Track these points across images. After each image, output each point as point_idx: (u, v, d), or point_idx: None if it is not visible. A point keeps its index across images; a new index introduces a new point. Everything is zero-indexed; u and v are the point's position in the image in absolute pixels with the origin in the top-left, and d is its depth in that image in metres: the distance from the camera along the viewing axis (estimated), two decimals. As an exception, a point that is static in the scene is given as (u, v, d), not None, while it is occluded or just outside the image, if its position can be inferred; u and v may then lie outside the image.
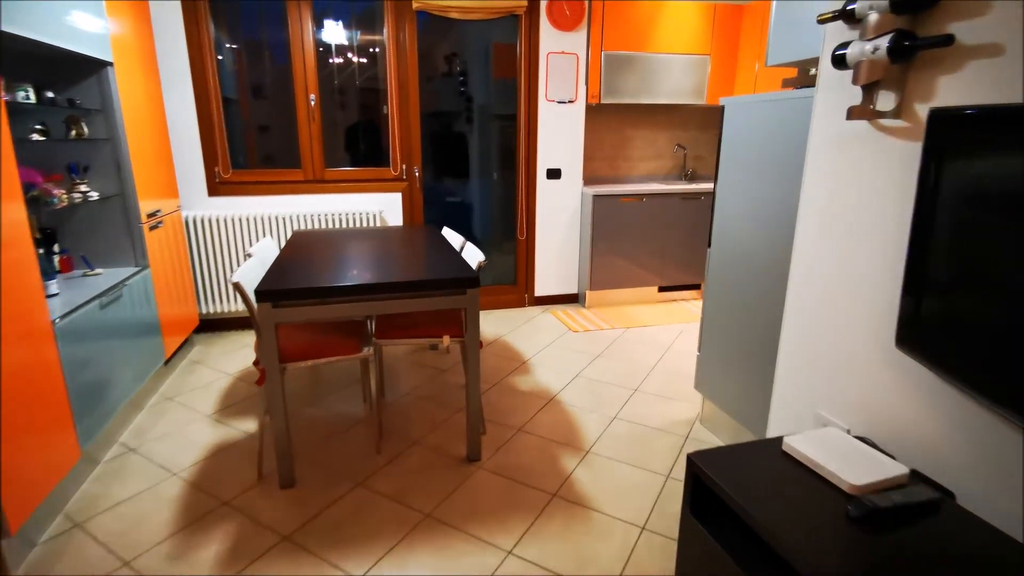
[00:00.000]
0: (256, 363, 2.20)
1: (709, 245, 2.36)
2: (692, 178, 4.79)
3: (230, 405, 2.67)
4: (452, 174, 4.14)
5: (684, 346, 3.46)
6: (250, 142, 3.67)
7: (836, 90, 1.54)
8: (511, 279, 4.23)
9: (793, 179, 1.88)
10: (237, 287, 1.89)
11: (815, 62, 1.98)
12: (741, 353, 2.22)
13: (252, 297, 1.90)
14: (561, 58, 3.82)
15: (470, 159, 4.12)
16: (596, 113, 4.39)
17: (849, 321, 1.52)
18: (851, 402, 1.52)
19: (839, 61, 1.43)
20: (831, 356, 1.58)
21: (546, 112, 3.89)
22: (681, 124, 4.65)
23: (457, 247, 2.70)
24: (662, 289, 4.37)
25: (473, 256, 2.34)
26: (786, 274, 1.93)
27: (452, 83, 4.00)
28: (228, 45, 3.49)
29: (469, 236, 4.31)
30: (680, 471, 2.17)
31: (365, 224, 3.66)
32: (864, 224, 1.46)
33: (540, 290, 4.24)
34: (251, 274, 2.11)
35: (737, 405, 2.27)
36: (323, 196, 3.63)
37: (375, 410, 2.47)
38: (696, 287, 4.44)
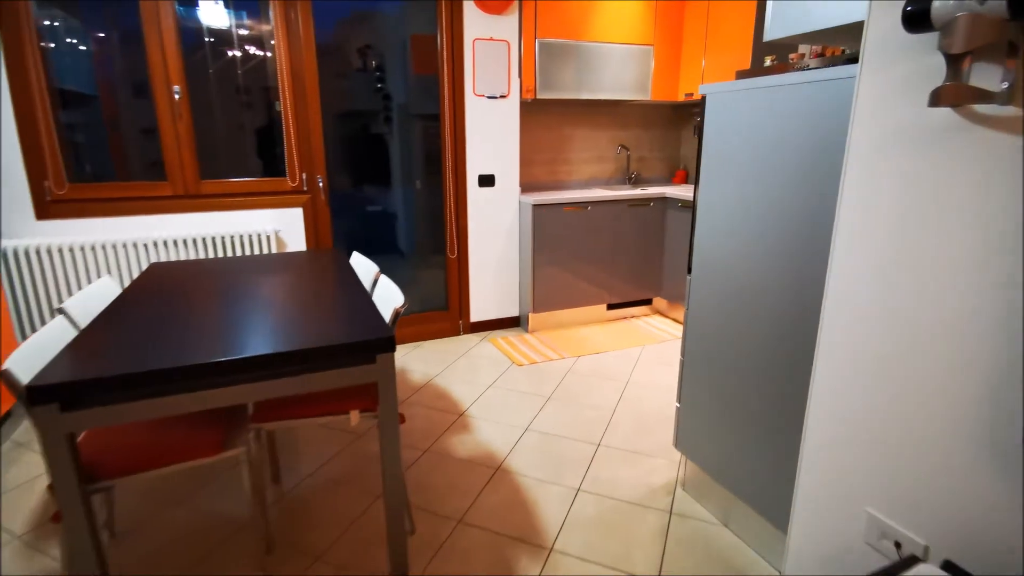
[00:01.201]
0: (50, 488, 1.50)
1: (689, 271, 1.89)
2: (636, 182, 4.39)
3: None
4: (371, 181, 3.50)
5: (644, 376, 3.01)
6: (116, 149, 2.87)
7: (897, 65, 1.07)
8: (442, 303, 3.64)
9: (817, 190, 1.42)
10: (4, 377, 1.20)
11: (834, 34, 1.54)
12: (735, 408, 1.76)
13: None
14: (490, 46, 3.27)
15: (391, 165, 3.49)
16: (532, 110, 3.88)
17: (930, 393, 1.05)
18: (931, 508, 1.06)
19: (917, 19, 0.96)
20: (895, 438, 1.12)
21: (475, 109, 3.33)
22: (623, 123, 4.23)
23: (368, 281, 2.09)
24: (611, 306, 3.92)
25: (389, 298, 1.74)
26: (807, 316, 1.47)
27: (367, 79, 3.36)
28: (80, 28, 2.68)
29: (392, 252, 3.67)
30: (673, 567, 1.67)
31: (255, 249, 2.95)
32: (953, 255, 1.00)
33: (477, 315, 3.68)
34: (49, 346, 1.42)
35: (729, 470, 1.81)
36: (198, 215, 2.89)
37: (262, 511, 1.81)
38: (647, 302, 4.03)
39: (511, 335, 3.65)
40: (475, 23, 3.22)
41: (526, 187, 3.99)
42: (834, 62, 1.64)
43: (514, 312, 3.79)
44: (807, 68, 1.48)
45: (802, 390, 1.52)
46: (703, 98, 1.77)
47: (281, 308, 1.65)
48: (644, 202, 3.76)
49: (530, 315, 3.66)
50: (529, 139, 3.92)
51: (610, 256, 3.76)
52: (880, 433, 1.15)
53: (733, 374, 1.75)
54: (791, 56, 3.38)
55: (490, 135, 3.41)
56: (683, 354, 1.97)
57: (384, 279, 1.93)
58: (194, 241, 2.83)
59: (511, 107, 3.42)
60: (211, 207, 2.90)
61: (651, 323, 3.87)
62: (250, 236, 2.92)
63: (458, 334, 3.67)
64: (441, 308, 3.63)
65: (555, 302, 3.68)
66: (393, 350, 1.42)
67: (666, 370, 3.09)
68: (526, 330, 3.72)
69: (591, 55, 3.56)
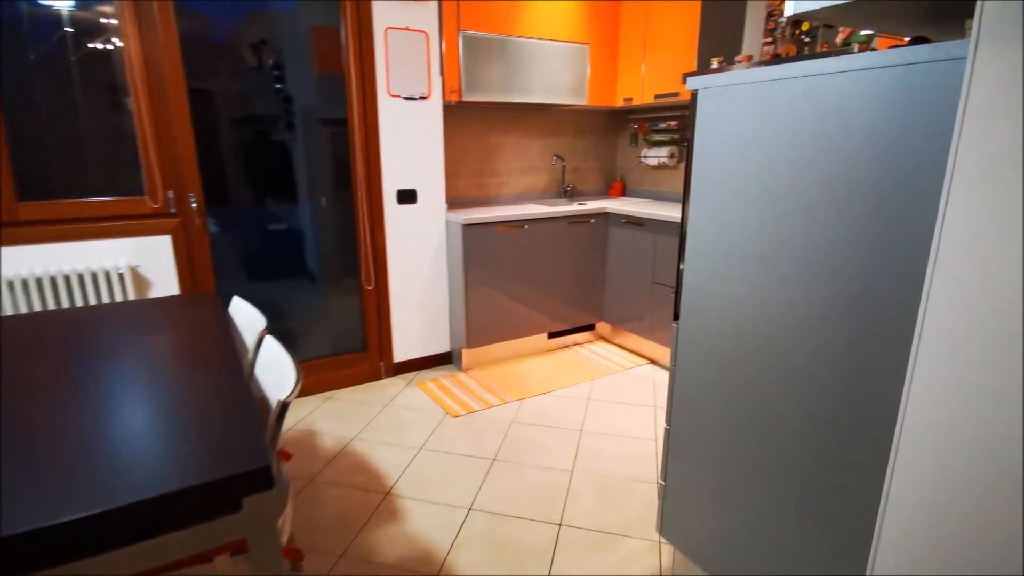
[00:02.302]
0: None
1: (676, 317, 1.48)
2: (572, 195, 4.03)
3: None
4: (273, 196, 2.87)
5: (599, 422, 2.61)
6: None
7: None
8: (359, 343, 3.07)
9: (880, 218, 1.05)
10: None
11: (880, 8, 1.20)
12: (745, 493, 1.37)
13: None
14: (405, 38, 2.77)
15: (296, 177, 2.89)
16: (457, 115, 3.40)
17: None
18: None
19: None
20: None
21: (390, 112, 2.81)
22: (555, 130, 3.85)
23: (251, 342, 1.53)
24: (553, 335, 3.51)
25: (277, 378, 1.21)
26: (860, 384, 1.09)
27: (264, 79, 2.75)
28: None
29: (299, 277, 3.05)
30: None
31: (101, 294, 2.26)
32: None
33: (401, 353, 3.13)
34: None
35: (734, 567, 1.41)
36: (18, 249, 2.16)
37: None
38: (590, 327, 3.66)
39: (443, 376, 3.14)
40: (387, 10, 2.71)
41: (454, 203, 3.51)
42: (845, 49, 1.30)
43: (445, 347, 3.29)
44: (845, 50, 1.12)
45: (851, 477, 1.14)
46: (693, 95, 1.37)
47: (100, 416, 1.06)
48: (585, 219, 3.39)
49: (464, 351, 3.17)
50: (454, 148, 3.45)
51: (550, 279, 3.36)
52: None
53: (742, 452, 1.36)
54: (737, 58, 3.14)
55: (410, 143, 2.90)
56: (668, 421, 1.56)
57: (270, 344, 1.38)
58: (13, 285, 2.11)
59: (433, 110, 2.93)
60: (36, 238, 2.18)
61: (596, 351, 3.50)
62: (93, 275, 2.23)
63: (379, 378, 3.11)
64: (357, 348, 3.06)
65: (491, 334, 3.21)
66: (271, 486, 0.89)
67: (622, 412, 2.71)
68: (460, 368, 3.22)
69: (521, 52, 3.15)
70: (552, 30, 3.28)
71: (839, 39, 2.56)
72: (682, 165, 3.67)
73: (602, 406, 2.77)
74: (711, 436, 1.44)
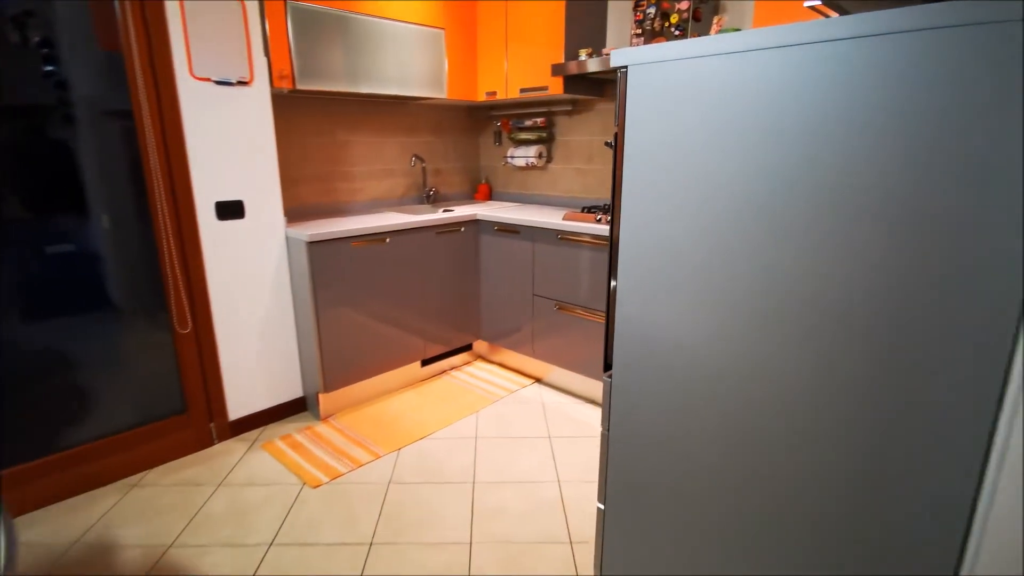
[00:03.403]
0: None
1: (607, 367, 1.16)
2: (436, 200, 3.61)
3: None
4: (51, 210, 2.04)
5: (492, 467, 2.24)
6: None
7: None
8: (177, 403, 2.35)
9: (927, 238, 0.79)
10: None
11: None
12: (713, 585, 1.09)
13: None
14: (211, 7, 2.13)
15: (85, 185, 2.08)
16: (293, 107, 2.80)
17: None
18: None
19: None
20: None
21: (197, 101, 2.15)
22: (413, 127, 3.40)
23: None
24: (427, 362, 3.07)
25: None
26: (922, 467, 0.84)
27: (30, 60, 1.92)
28: None
29: (88, 318, 2.23)
30: None
31: None
32: None
33: (239, 409, 2.48)
34: None
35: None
36: None
37: None
38: (467, 348, 3.29)
39: (297, 429, 2.55)
40: (182, -32, 2.05)
41: (294, 214, 2.90)
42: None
43: (296, 393, 2.68)
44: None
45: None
46: (621, 75, 1.04)
47: None
48: (455, 227, 3.00)
49: (321, 396, 2.60)
50: (293, 147, 2.84)
51: (420, 299, 2.91)
52: None
53: (707, 546, 1.07)
54: (604, 51, 2.96)
55: (231, 141, 2.26)
56: (602, 498, 1.24)
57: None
58: None
59: (258, 100, 2.32)
60: None
61: (476, 375, 3.13)
62: None
63: (210, 444, 2.42)
64: (175, 410, 2.34)
65: (354, 371, 2.68)
66: None
67: (515, 450, 2.38)
68: (318, 417, 2.65)
69: (367, 33, 2.65)
70: (402, 10, 2.82)
71: (713, 31, 2.46)
72: (551, 166, 3.44)
73: (492, 445, 2.40)
74: (661, 524, 1.14)
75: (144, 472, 2.23)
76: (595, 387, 2.80)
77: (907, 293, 0.79)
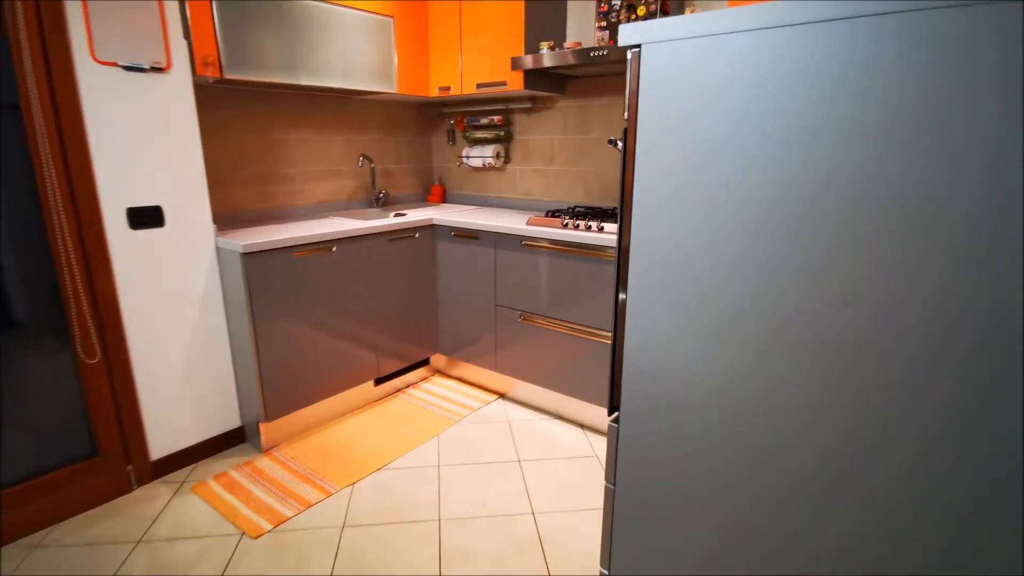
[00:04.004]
0: None
1: (612, 410, 0.98)
2: (386, 203, 3.35)
3: None
4: None
5: (459, 503, 2.04)
6: None
7: None
8: (86, 445, 2.01)
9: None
10: None
11: None
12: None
13: None
14: (119, -21, 1.81)
15: None
16: (223, 99, 2.48)
17: None
18: None
19: None
20: None
21: (100, 89, 1.83)
22: (360, 124, 3.13)
23: None
24: (381, 380, 2.82)
25: None
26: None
27: None
28: None
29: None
30: None
31: None
32: None
33: (162, 446, 2.15)
34: None
35: None
36: None
37: None
38: (424, 363, 3.05)
39: (234, 466, 2.24)
40: (80, -68, 1.72)
41: (225, 221, 2.58)
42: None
43: (234, 423, 2.37)
44: None
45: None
46: (633, 57, 0.86)
47: None
48: (408, 233, 2.76)
49: (262, 426, 2.31)
50: (224, 145, 2.52)
51: (371, 312, 2.66)
52: None
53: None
54: (566, 44, 2.79)
55: (143, 136, 1.94)
56: (605, 563, 1.06)
57: None
58: None
59: (178, 89, 2.00)
60: None
61: (434, 392, 2.91)
62: None
63: (129, 490, 2.09)
64: (84, 454, 2.00)
65: (299, 395, 2.40)
66: None
67: (483, 477, 2.18)
68: (259, 449, 2.35)
69: (307, 17, 2.38)
70: (346, -6, 2.56)
71: (685, 26, 2.33)
72: (509, 167, 3.25)
73: (457, 474, 2.19)
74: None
75: (48, 529, 1.88)
76: (562, 401, 2.63)
77: (967, 308, 0.65)
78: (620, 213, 0.91)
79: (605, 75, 2.74)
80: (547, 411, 2.71)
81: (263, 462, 2.25)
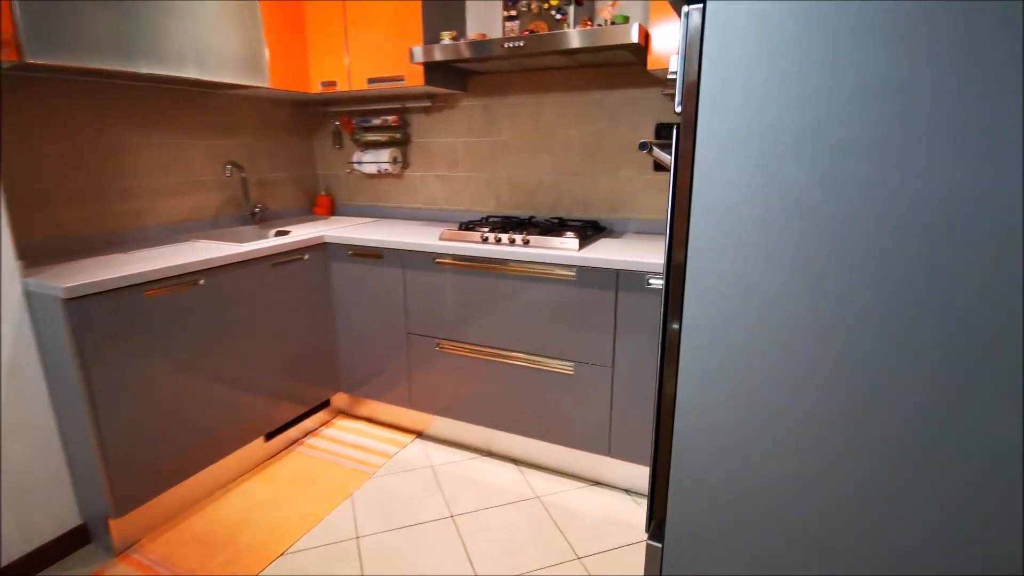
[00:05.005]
0: None
1: (651, 520, 0.71)
2: (263, 219, 2.84)
3: None
4: None
5: (393, 580, 1.68)
6: None
7: None
8: None
9: None
10: None
11: None
12: None
13: None
14: None
15: None
16: (29, 90, 1.88)
17: None
18: None
19: None
20: None
21: None
22: (227, 125, 2.61)
23: None
24: (272, 434, 2.34)
25: None
26: None
27: None
28: None
29: None
30: None
31: None
32: None
33: (-46, 572, 1.55)
34: None
35: None
36: None
37: None
38: (325, 405, 2.61)
39: (70, 579, 1.68)
40: None
41: (41, 252, 1.97)
42: None
43: (72, 520, 1.79)
44: None
45: None
46: (688, 20, 0.59)
47: None
48: (295, 255, 2.31)
49: (113, 522, 1.76)
50: (35, 151, 1.91)
51: (255, 354, 2.18)
52: None
53: None
54: (470, 36, 2.51)
55: None
56: None
57: None
58: None
59: (-48, 80, 1.43)
60: None
61: (339, 438, 2.48)
62: None
63: (-100, 647, 1.47)
64: None
65: (163, 472, 1.88)
66: None
67: (410, 544, 1.83)
68: (111, 552, 1.79)
69: (147, -7, 1.86)
70: (197, -36, 2.06)
71: (605, 13, 2.15)
72: (408, 173, 2.89)
73: (382, 545, 1.82)
74: None
75: None
76: (490, 436, 2.34)
77: None
78: (671, 220, 0.64)
79: (512, 71, 2.49)
80: (474, 448, 2.41)
81: (117, 570, 1.71)
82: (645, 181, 2.38)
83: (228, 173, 2.53)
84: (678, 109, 0.60)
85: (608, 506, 2.02)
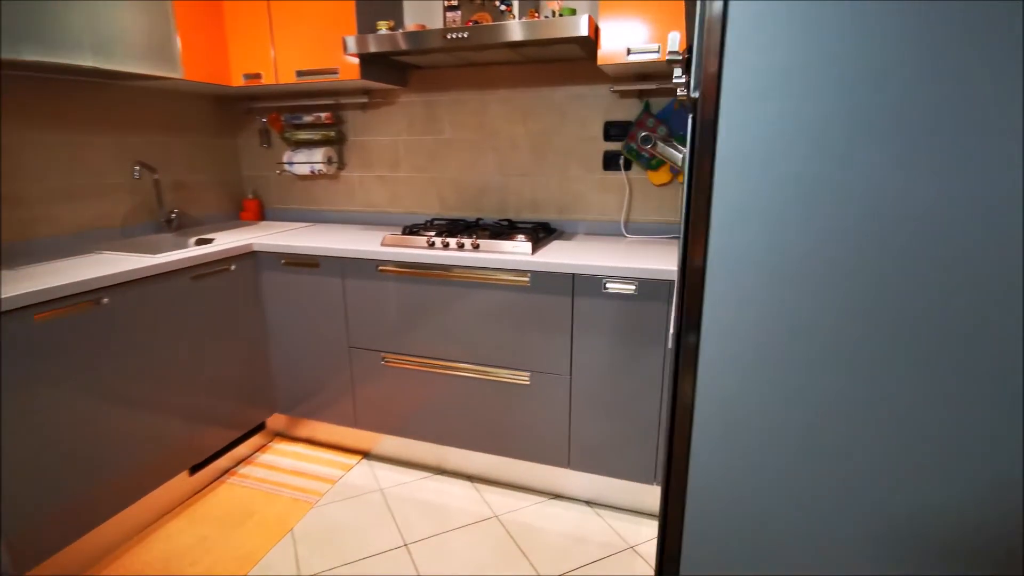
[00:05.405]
0: None
1: (661, 565, 0.61)
2: (181, 226, 2.58)
3: None
4: None
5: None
6: None
7: None
8: None
9: None
10: None
11: None
12: None
13: None
14: None
15: None
16: None
17: None
18: None
19: None
20: None
21: None
22: (133, 121, 2.33)
23: None
24: (197, 467, 2.11)
25: None
26: None
27: None
28: None
29: None
30: None
31: None
32: None
33: None
34: None
35: None
36: None
37: None
38: (259, 428, 2.38)
39: (-52, 660, 1.41)
40: None
41: (-97, 270, 1.66)
42: None
43: (-57, 589, 1.51)
44: None
45: None
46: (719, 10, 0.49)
47: None
48: (220, 265, 2.09)
49: (0, 586, 1.50)
50: None
51: (176, 379, 1.94)
52: None
53: None
54: (408, 25, 2.35)
55: None
56: None
57: None
58: None
59: None
60: None
61: (276, 465, 2.28)
62: None
63: None
64: None
65: (69, 522, 1.63)
66: None
67: (367, 579, 1.67)
68: (-3, 623, 1.53)
69: (28, -34, 1.60)
70: (91, -63, 1.80)
71: (554, 5, 2.05)
72: (345, 174, 2.71)
73: (329, 583, 1.65)
74: None
75: None
76: (442, 453, 2.21)
77: None
78: (685, 222, 0.54)
79: (455, 65, 2.36)
80: (426, 466, 2.26)
81: (9, 643, 1.45)
82: (595, 181, 2.31)
83: (137, 175, 2.25)
84: (694, 94, 0.50)
85: (570, 521, 1.93)
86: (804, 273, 0.50)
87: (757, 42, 0.44)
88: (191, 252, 1.98)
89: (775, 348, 0.54)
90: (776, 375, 0.53)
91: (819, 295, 0.50)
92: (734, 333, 0.53)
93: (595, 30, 1.85)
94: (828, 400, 0.54)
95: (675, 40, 0.47)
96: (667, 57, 0.62)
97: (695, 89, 0.49)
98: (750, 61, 0.44)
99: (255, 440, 2.36)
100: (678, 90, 0.97)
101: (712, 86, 0.46)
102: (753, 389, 0.54)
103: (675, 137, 2.12)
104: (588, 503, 2.03)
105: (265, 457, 2.32)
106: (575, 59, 2.20)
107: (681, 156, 0.52)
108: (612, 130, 2.24)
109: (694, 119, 0.49)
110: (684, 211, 0.51)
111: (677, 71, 0.77)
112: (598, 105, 2.24)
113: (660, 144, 0.51)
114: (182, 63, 2.12)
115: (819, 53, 0.44)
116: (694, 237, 0.52)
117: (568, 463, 1.99)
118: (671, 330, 1.40)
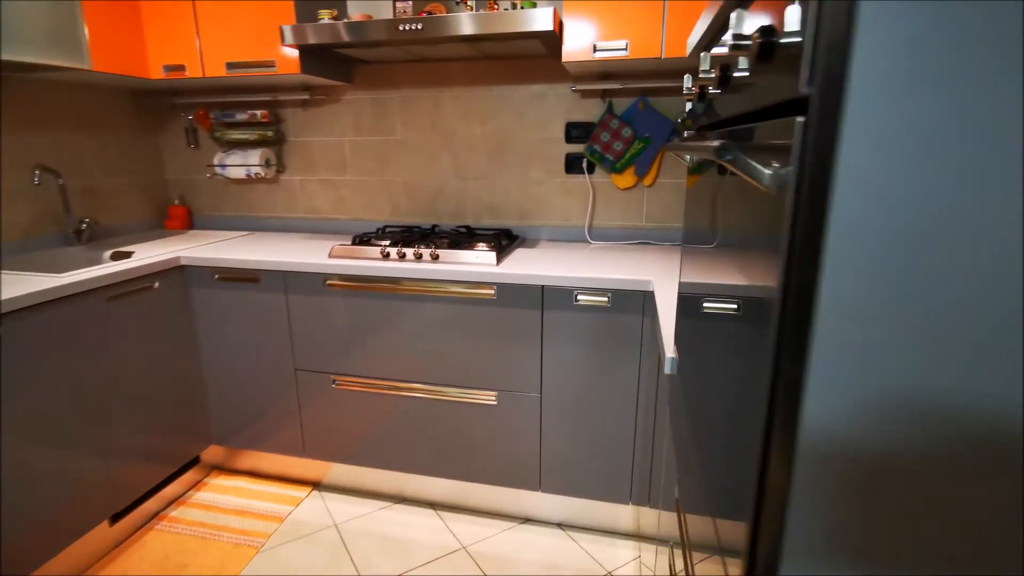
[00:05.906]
0: None
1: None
2: (93, 238, 2.28)
3: None
4: None
5: None
6: None
7: None
8: None
9: None
10: None
11: None
12: None
13: None
14: None
15: None
16: None
17: None
18: None
19: None
20: None
21: None
22: (32, 118, 2.03)
23: None
24: (119, 516, 1.84)
25: None
26: None
27: None
28: None
29: None
30: None
31: None
32: None
33: None
34: None
35: None
36: None
37: None
38: (192, 464, 2.13)
39: None
40: None
41: None
42: None
43: None
44: None
45: None
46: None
47: None
48: (141, 283, 1.83)
49: None
50: None
51: (91, 416, 1.68)
52: None
53: None
54: (354, 16, 2.16)
55: None
56: None
57: None
58: None
59: None
60: None
61: (215, 503, 2.04)
62: None
63: None
64: None
65: (-47, 595, 1.36)
66: None
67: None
68: None
69: None
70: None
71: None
72: (285, 177, 2.48)
73: (280, 644, 1.46)
74: None
75: None
76: (399, 480, 2.04)
77: None
78: (790, 231, 0.42)
79: (407, 60, 2.19)
80: (384, 495, 2.09)
81: None
82: (557, 184, 2.20)
83: (37, 180, 1.95)
84: (804, 90, 0.39)
85: (542, 547, 1.81)
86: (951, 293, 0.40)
87: (899, 24, 0.33)
88: (105, 269, 1.72)
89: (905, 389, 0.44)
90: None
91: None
92: (851, 363, 0.42)
93: (559, 25, 1.73)
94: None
95: (794, 16, 0.36)
96: (732, 43, 0.50)
97: (807, 84, 0.38)
98: (889, 45, 0.33)
99: (188, 476, 2.10)
100: (684, 89, 0.86)
101: (836, 70, 0.35)
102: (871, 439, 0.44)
103: (640, 139, 2.04)
104: (560, 525, 1.92)
105: (201, 495, 2.08)
106: (535, 56, 2.08)
107: (770, 171, 0.40)
108: (574, 131, 2.14)
109: (806, 122, 0.38)
110: (789, 219, 0.39)
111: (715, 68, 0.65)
112: (559, 105, 2.13)
113: (741, 157, 0.39)
114: (90, 53, 1.85)
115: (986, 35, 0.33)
116: (799, 249, 0.40)
117: (539, 485, 1.87)
118: (669, 353, 1.30)
